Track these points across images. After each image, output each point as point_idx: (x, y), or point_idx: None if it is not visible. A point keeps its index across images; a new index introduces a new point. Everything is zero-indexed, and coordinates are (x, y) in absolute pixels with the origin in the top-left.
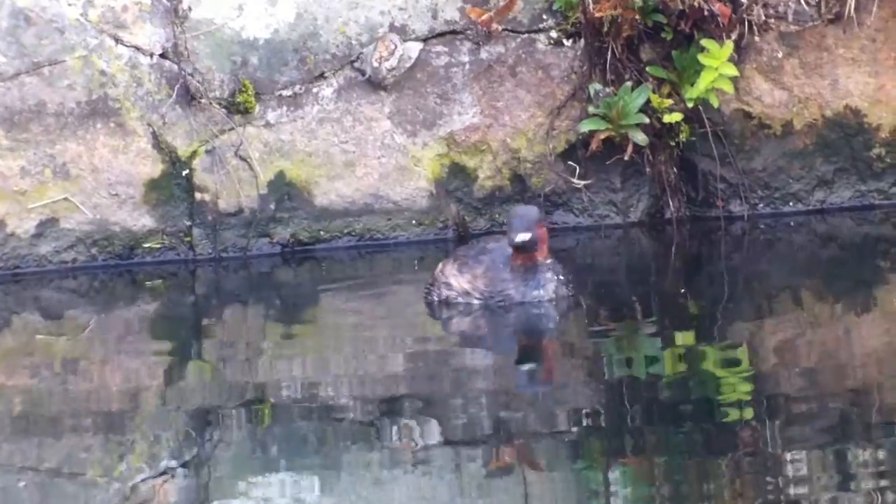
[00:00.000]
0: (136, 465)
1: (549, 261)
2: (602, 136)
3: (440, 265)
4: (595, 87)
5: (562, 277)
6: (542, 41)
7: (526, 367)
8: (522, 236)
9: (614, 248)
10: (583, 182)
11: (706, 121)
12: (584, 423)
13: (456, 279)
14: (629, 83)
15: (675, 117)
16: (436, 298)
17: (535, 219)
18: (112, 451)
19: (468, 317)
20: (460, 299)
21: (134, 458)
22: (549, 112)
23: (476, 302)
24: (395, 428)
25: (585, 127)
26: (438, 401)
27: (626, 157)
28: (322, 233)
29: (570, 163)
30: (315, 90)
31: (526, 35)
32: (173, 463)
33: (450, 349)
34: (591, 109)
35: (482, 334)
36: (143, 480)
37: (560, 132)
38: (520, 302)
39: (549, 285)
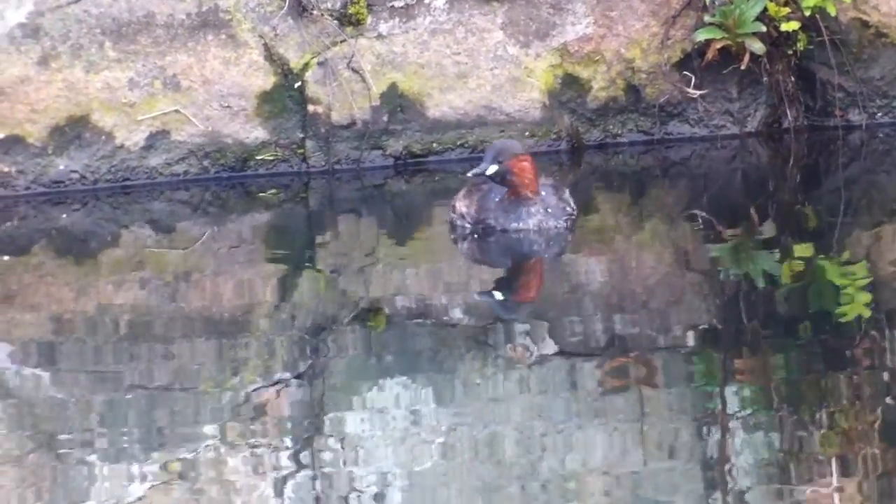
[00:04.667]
0: (249, 377)
1: (542, 194)
2: (718, 46)
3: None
4: None
5: (551, 210)
6: None
7: (639, 279)
8: (481, 168)
9: (731, 158)
10: (698, 92)
11: (823, 29)
12: (701, 336)
13: (459, 203)
14: None
15: (793, 25)
16: (447, 219)
17: (510, 152)
18: (224, 362)
19: (472, 239)
20: (458, 222)
21: (247, 370)
22: (663, 21)
23: (468, 226)
24: (508, 338)
25: (701, 36)
26: (552, 311)
27: (742, 67)
28: (435, 145)
29: (685, 73)
30: (427, 1)
31: None
32: (287, 374)
33: (562, 260)
34: (706, 18)
35: (593, 246)
36: (255, 391)
37: (675, 42)
38: (501, 230)
39: (531, 219)
